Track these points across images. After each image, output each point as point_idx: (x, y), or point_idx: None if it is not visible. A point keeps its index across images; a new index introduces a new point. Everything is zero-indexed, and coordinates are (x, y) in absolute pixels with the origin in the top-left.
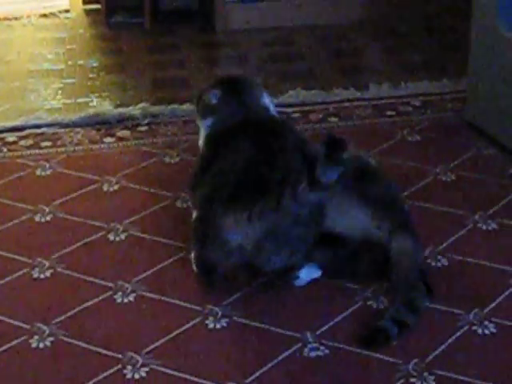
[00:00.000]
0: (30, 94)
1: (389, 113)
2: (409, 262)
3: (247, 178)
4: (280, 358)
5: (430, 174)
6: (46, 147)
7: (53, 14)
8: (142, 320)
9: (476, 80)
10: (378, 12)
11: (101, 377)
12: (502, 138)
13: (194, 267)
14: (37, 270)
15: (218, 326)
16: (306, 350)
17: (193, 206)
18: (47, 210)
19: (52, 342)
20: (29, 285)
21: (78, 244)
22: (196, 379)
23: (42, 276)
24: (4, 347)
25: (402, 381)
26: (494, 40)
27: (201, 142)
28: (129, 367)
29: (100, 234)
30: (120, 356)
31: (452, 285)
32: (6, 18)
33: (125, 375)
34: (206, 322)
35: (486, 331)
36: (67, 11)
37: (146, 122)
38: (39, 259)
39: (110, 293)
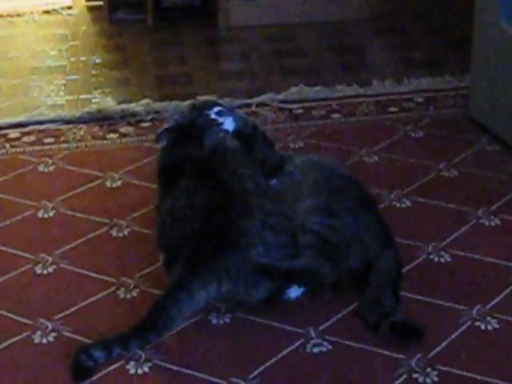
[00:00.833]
0: (32, 90)
1: (392, 109)
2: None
3: (205, 232)
4: (283, 353)
5: (432, 170)
6: (49, 143)
7: (55, 11)
8: None
9: (479, 76)
10: (381, 8)
11: (103, 372)
12: (505, 134)
13: None
14: (40, 265)
15: (221, 322)
16: (308, 345)
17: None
18: (50, 206)
19: (55, 338)
20: (32, 280)
21: (81, 240)
22: (199, 374)
23: (45, 272)
24: (7, 343)
25: (404, 376)
26: (496, 36)
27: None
28: (132, 363)
29: (103, 229)
30: None
31: (455, 281)
32: (8, 15)
33: (128, 371)
34: (210, 317)
35: (489, 327)
36: (70, 8)
37: (148, 118)
38: (42, 255)
39: (113, 288)
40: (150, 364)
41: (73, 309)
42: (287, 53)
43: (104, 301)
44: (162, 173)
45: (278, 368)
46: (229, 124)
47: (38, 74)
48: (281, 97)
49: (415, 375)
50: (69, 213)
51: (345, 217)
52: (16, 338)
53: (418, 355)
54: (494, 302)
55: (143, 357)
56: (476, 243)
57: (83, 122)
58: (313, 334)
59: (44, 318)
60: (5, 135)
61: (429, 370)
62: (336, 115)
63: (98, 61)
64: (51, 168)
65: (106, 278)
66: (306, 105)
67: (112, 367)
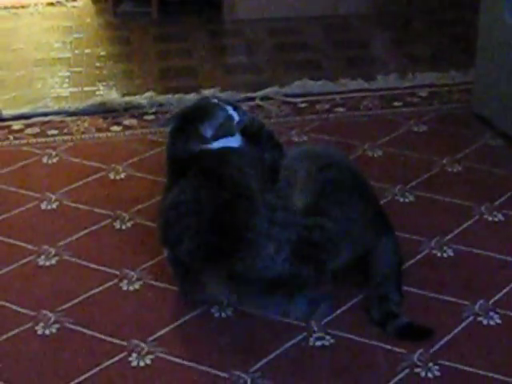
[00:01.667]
0: (36, 82)
1: (396, 104)
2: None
3: (212, 227)
4: (285, 347)
5: (436, 164)
6: (53, 135)
7: (60, 3)
8: (148, 308)
9: (483, 71)
10: (385, 3)
11: (106, 364)
12: (509, 129)
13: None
14: (43, 257)
15: (223, 315)
16: (311, 339)
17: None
18: (53, 197)
19: (57, 330)
20: (35, 272)
21: (84, 232)
22: (201, 367)
23: (47, 263)
24: (9, 334)
25: (406, 371)
26: (501, 31)
27: None
28: (134, 355)
29: (106, 221)
30: (125, 344)
31: (458, 275)
32: (13, 7)
33: (130, 363)
34: (212, 310)
35: (491, 322)
36: (74, 0)
37: (152, 110)
38: (45, 247)
39: (116, 280)
40: (152, 356)
41: (75, 300)
42: (291, 46)
43: (107, 293)
44: (169, 165)
45: (280, 361)
46: (235, 114)
47: (42, 66)
48: (285, 90)
49: (417, 370)
50: (72, 205)
51: (333, 211)
52: (19, 330)
53: (420, 350)
54: (496, 297)
55: (145, 349)
56: (479, 238)
57: (87, 114)
58: (315, 328)
59: (47, 310)
60: (8, 127)
61: (431, 364)
62: (340, 109)
63: (102, 53)
64: (55, 160)
65: (108, 270)
66: (310, 99)
67: (114, 359)
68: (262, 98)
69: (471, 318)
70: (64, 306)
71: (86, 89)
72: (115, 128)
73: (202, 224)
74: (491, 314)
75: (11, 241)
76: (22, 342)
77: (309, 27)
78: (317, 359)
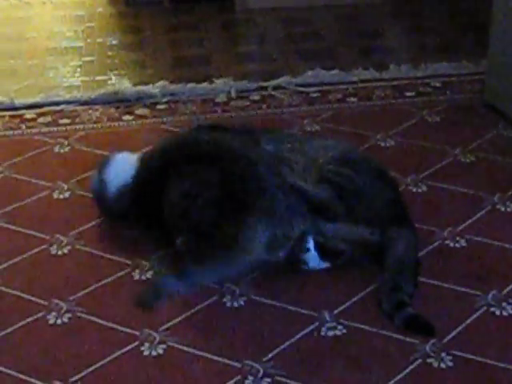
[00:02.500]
0: (49, 71)
1: (408, 93)
2: (404, 248)
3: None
4: (297, 336)
5: (449, 155)
6: (65, 124)
7: None
8: None
9: (495, 61)
10: None
11: (118, 354)
12: None
13: None
14: (55, 246)
15: (235, 305)
16: (323, 329)
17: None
18: (65, 187)
19: (69, 319)
20: (47, 261)
21: (96, 221)
22: (213, 357)
23: (59, 252)
24: (21, 323)
25: (419, 361)
26: None
27: None
28: (146, 344)
29: None
30: (137, 333)
31: (470, 266)
32: None
33: (142, 352)
34: (224, 300)
35: (504, 313)
36: None
37: (164, 100)
38: (57, 236)
39: (128, 270)
40: (164, 346)
41: (87, 290)
42: (304, 36)
43: (119, 282)
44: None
45: (292, 351)
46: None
47: (54, 55)
48: (297, 80)
49: (429, 360)
50: (84, 194)
51: (361, 174)
52: (30, 319)
53: (433, 340)
54: (509, 288)
55: (157, 339)
56: (492, 228)
57: (99, 104)
58: (327, 318)
59: (59, 299)
60: (21, 116)
61: (443, 355)
62: (352, 99)
63: (114, 42)
64: (67, 149)
65: (120, 259)
66: (323, 88)
67: (126, 348)
68: (275, 88)
69: (484, 309)
70: (76, 296)
71: (97, 78)
72: (127, 117)
73: (216, 196)
74: (504, 304)
75: (23, 230)
76: (33, 331)
77: (321, 16)
78: (329, 349)
